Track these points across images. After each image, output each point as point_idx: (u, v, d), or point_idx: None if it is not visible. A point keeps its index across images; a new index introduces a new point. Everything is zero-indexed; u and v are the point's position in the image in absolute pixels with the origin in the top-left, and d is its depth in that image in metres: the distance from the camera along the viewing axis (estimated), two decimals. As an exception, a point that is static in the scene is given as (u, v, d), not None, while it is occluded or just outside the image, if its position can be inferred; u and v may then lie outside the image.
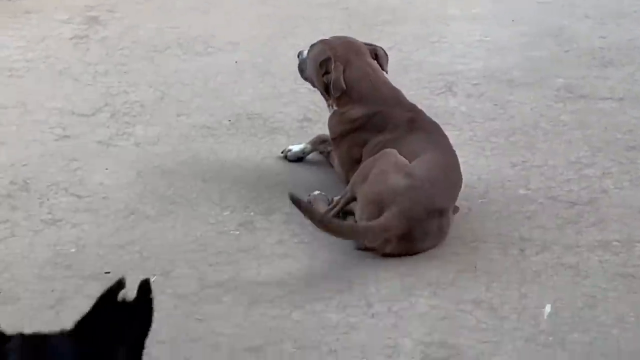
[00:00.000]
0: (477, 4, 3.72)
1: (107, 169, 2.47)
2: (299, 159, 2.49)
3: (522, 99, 2.88)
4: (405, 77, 2.94)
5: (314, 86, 2.44)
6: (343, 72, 2.26)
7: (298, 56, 2.46)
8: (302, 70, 2.44)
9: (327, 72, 2.29)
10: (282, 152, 2.51)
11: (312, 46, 2.39)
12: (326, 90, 2.32)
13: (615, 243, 2.09)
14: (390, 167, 2.08)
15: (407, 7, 3.72)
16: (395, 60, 2.75)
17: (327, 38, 2.42)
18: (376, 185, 2.07)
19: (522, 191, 2.35)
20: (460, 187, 2.20)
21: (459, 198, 2.21)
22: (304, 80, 2.50)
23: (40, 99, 2.92)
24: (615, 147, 2.56)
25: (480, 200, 2.31)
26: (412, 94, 2.59)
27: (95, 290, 1.91)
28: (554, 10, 3.65)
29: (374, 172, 2.10)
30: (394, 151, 2.12)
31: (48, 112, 2.81)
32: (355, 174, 2.18)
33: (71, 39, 3.39)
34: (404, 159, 2.10)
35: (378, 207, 2.03)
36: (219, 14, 3.68)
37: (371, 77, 2.30)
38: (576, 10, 3.62)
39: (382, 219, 2.01)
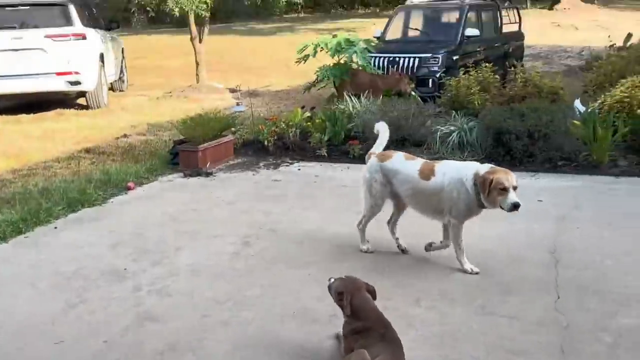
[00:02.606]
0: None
1: None
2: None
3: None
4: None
5: None
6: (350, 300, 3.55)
7: (329, 280, 3.74)
8: (329, 289, 3.71)
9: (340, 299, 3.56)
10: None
11: (334, 280, 3.70)
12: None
13: None
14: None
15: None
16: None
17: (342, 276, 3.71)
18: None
19: None
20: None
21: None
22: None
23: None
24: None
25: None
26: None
27: None
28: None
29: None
30: (364, 351, 3.38)
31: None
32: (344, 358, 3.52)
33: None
34: (368, 356, 3.38)
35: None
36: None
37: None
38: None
39: None
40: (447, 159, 5.69)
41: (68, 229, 5.97)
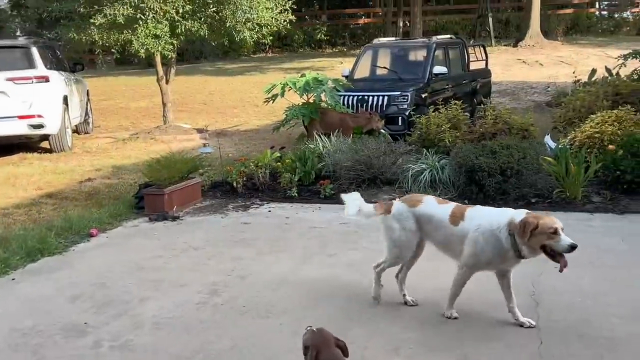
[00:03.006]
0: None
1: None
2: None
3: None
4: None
5: None
6: (316, 356, 3.24)
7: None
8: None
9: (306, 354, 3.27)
10: None
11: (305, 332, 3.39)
12: None
13: None
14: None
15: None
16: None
17: (313, 328, 3.39)
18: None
19: None
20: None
21: None
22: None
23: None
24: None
25: None
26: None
27: None
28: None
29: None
30: None
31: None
32: None
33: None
34: None
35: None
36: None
37: None
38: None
39: None
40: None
41: (26, 280, 5.67)
